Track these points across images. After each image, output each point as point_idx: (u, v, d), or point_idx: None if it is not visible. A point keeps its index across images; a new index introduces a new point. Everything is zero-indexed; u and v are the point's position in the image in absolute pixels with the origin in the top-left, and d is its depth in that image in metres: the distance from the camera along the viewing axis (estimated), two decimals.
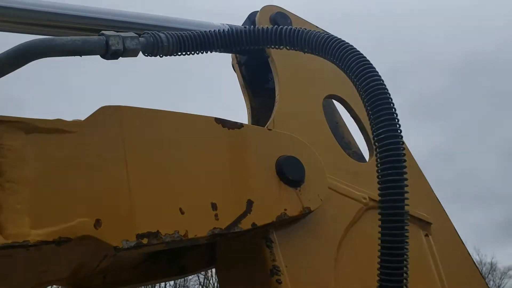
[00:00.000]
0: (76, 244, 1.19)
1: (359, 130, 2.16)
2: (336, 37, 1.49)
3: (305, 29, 1.54)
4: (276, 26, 1.58)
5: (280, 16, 2.08)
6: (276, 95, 1.89)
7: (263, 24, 2.04)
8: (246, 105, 2.16)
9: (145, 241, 1.25)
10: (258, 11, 2.11)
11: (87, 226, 1.19)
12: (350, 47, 1.43)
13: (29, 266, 1.33)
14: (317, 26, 2.21)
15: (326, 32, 2.18)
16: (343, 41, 1.47)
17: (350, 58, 1.40)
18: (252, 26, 2.09)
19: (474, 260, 2.20)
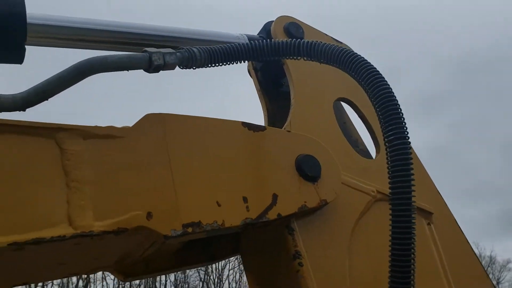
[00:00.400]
0: (131, 234, 1.39)
1: (365, 129, 2.36)
2: (348, 49, 1.69)
3: (321, 42, 1.72)
4: (295, 40, 1.76)
5: (293, 26, 2.27)
6: (291, 99, 2.09)
7: (278, 32, 2.24)
8: (262, 107, 2.35)
9: (189, 230, 1.44)
10: (273, 21, 2.30)
11: (140, 218, 1.39)
12: (361, 58, 1.63)
13: (87, 254, 1.53)
14: (326, 34, 2.41)
15: (336, 39, 2.40)
16: (355, 53, 1.66)
17: (362, 69, 1.59)
18: (268, 35, 2.30)
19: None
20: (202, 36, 2.09)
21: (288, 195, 1.67)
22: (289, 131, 1.86)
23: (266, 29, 2.31)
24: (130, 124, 1.54)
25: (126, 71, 1.56)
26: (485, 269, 2.35)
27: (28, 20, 1.61)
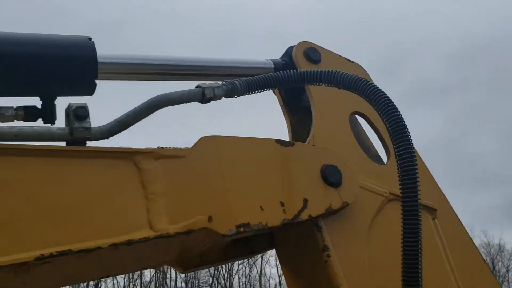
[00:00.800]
0: (196, 234, 1.75)
1: (376, 137, 2.71)
2: (362, 78, 2.02)
3: (339, 72, 2.05)
4: (318, 70, 2.10)
5: (311, 51, 2.61)
6: (312, 114, 2.43)
7: (298, 56, 2.58)
8: (286, 121, 2.69)
9: (241, 229, 1.81)
10: (294, 45, 2.65)
11: (204, 221, 1.75)
12: (373, 86, 1.96)
13: (159, 250, 1.89)
14: (340, 56, 2.75)
15: (348, 59, 2.75)
16: (367, 81, 2.00)
17: (373, 95, 1.92)
18: (289, 59, 2.64)
19: (482, 242, 2.72)
20: (234, 63, 2.45)
21: (316, 199, 2.03)
22: (313, 145, 2.22)
23: (288, 53, 2.64)
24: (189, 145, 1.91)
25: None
26: (494, 257, 2.67)
27: (98, 60, 1.98)
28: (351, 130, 2.49)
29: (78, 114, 1.72)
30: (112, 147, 1.75)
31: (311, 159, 2.11)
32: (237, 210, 1.83)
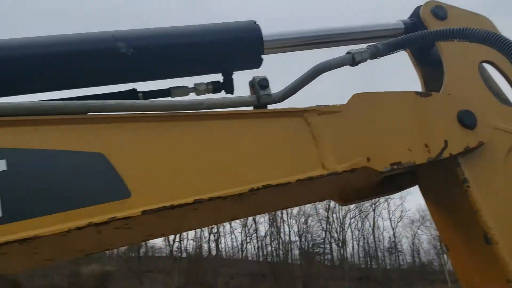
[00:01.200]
0: (358, 172, 2.20)
1: (505, 82, 2.93)
2: (492, 32, 2.28)
3: (469, 28, 2.33)
4: (450, 28, 2.40)
5: (438, 9, 2.87)
6: (444, 66, 2.72)
7: (425, 15, 2.86)
8: (418, 75, 3.01)
9: (395, 167, 2.22)
10: (421, 5, 2.92)
11: (364, 161, 2.19)
12: (503, 37, 2.22)
13: (329, 186, 2.38)
14: (466, 10, 2.97)
15: (475, 13, 2.97)
16: (496, 33, 2.25)
17: (504, 44, 2.20)
18: (417, 18, 2.92)
19: None
20: (371, 28, 2.81)
21: (455, 140, 2.37)
22: (449, 94, 2.54)
23: (416, 13, 2.93)
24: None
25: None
26: None
27: (264, 39, 2.45)
28: (480, 77, 2.75)
29: (262, 84, 2.23)
30: (285, 108, 2.24)
31: (448, 106, 2.45)
32: (389, 152, 2.25)
